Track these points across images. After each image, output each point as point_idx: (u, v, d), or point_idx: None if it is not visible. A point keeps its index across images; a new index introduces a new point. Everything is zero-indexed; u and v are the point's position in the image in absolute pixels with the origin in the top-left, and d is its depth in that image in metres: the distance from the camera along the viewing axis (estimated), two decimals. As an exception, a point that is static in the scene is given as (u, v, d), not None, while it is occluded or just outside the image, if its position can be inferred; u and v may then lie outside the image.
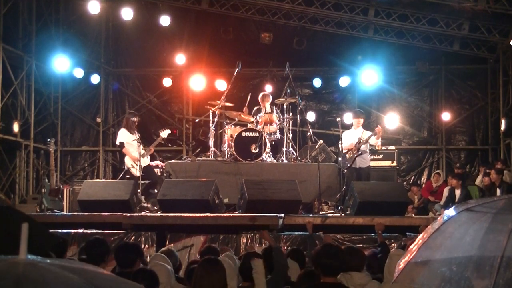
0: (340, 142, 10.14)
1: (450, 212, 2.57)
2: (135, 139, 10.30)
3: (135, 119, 10.66)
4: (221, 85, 14.20)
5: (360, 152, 10.13)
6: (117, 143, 10.76)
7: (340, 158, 10.52)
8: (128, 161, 10.43)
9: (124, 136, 10.49)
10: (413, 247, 2.56)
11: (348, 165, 10.10)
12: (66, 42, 14.85)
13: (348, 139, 10.34)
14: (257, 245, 7.85)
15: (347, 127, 11.23)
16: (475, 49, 14.20)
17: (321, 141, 11.19)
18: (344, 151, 10.33)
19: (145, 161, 10.53)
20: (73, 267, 1.12)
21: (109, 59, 15.81)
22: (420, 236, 2.57)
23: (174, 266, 5.08)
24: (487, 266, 2.21)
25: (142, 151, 10.36)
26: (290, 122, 11.45)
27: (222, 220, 8.64)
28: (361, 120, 10.59)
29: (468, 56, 14.51)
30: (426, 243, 2.49)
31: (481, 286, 2.20)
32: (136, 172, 10.27)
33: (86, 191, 9.58)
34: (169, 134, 11.25)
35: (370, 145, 10.54)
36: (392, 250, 4.97)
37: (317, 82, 15.00)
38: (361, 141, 10.17)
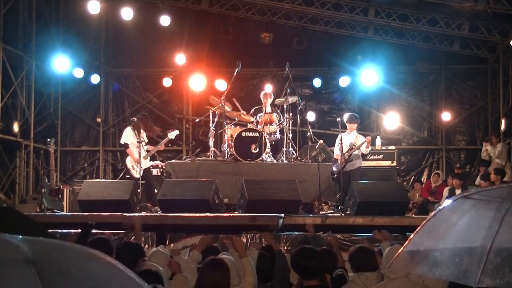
0: (339, 142, 10.10)
1: (450, 199, 2.63)
2: (139, 140, 10.26)
3: (140, 121, 10.60)
4: (221, 85, 14.21)
5: (350, 159, 10.12)
6: (122, 142, 10.74)
7: (333, 159, 10.49)
8: (129, 162, 10.44)
9: (129, 137, 10.45)
10: (413, 234, 2.60)
11: (338, 171, 10.06)
12: (66, 42, 14.85)
13: (340, 144, 10.29)
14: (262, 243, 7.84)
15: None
16: (475, 49, 14.20)
17: (321, 141, 11.18)
18: (335, 157, 10.34)
19: (147, 163, 10.53)
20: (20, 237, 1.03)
21: (109, 59, 15.81)
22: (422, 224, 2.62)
23: None
24: (478, 251, 2.24)
25: (144, 153, 10.36)
26: (290, 122, 11.45)
27: (222, 220, 8.64)
28: (355, 125, 10.59)
29: (468, 56, 14.52)
30: (423, 229, 2.54)
31: (471, 271, 2.22)
32: (136, 174, 10.29)
33: (86, 191, 9.58)
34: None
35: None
36: (392, 246, 4.96)
37: (317, 82, 15.00)
38: (353, 147, 10.15)
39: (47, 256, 0.95)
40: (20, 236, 0.98)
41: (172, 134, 11.05)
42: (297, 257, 4.07)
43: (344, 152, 10.02)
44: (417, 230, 2.58)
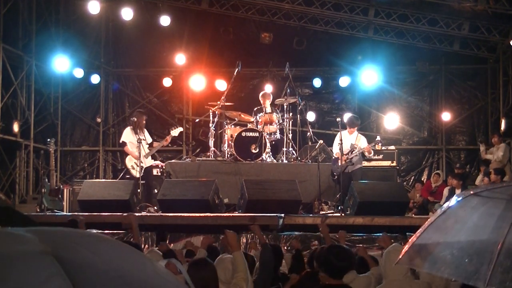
0: (339, 142, 10.08)
1: (459, 196, 2.59)
2: (139, 139, 10.29)
3: (135, 119, 10.66)
4: (221, 85, 14.21)
5: (352, 163, 10.09)
6: (120, 141, 10.85)
7: (333, 158, 10.47)
8: (128, 162, 10.47)
9: (128, 136, 10.52)
10: (420, 229, 2.57)
11: (340, 171, 10.04)
12: (66, 42, 14.85)
13: (340, 144, 10.26)
14: (258, 245, 7.84)
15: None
16: (475, 49, 14.20)
17: (321, 141, 11.18)
18: (335, 157, 10.30)
19: (147, 162, 10.53)
20: (39, 230, 0.98)
21: (109, 59, 15.81)
22: (428, 220, 2.58)
23: None
24: (487, 252, 2.21)
25: (144, 152, 10.35)
26: (290, 122, 11.45)
27: (222, 220, 8.64)
28: (355, 128, 10.54)
29: (468, 56, 14.51)
30: (431, 226, 2.51)
31: (480, 272, 2.20)
32: (136, 173, 10.30)
33: (86, 191, 9.58)
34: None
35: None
36: (393, 244, 4.97)
37: (317, 82, 15.00)
38: (354, 149, 10.11)
39: (59, 244, 0.91)
40: (21, 228, 0.95)
41: (176, 132, 11.09)
42: (331, 256, 3.99)
43: (344, 153, 10.00)
44: (425, 227, 2.55)
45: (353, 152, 10.09)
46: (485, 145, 12.85)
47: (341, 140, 9.99)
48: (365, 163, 11.60)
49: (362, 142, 10.31)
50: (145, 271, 0.94)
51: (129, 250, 0.98)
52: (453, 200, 2.58)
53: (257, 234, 5.75)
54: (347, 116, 10.97)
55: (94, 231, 8.34)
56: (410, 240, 2.63)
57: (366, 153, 10.26)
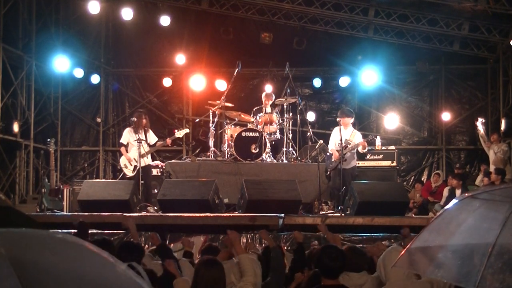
0: (339, 142, 10.03)
1: (457, 199, 2.60)
2: (138, 139, 10.30)
3: (134, 119, 10.67)
4: (221, 85, 14.21)
5: (345, 159, 9.97)
6: (120, 142, 10.94)
7: (327, 154, 10.43)
8: (122, 161, 10.57)
9: (125, 137, 10.56)
10: (417, 235, 2.59)
11: (333, 168, 10.00)
12: (66, 42, 14.86)
13: (335, 139, 10.15)
14: (257, 245, 7.84)
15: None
16: (475, 49, 14.20)
17: (321, 141, 11.18)
18: (329, 153, 10.26)
19: (145, 161, 10.51)
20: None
21: (109, 59, 15.81)
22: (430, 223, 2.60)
23: None
24: (479, 254, 2.22)
25: (143, 151, 10.35)
26: (290, 122, 11.45)
27: (222, 220, 8.64)
28: (348, 119, 10.28)
29: (468, 56, 14.51)
30: (428, 228, 2.52)
31: (471, 274, 2.20)
32: (128, 172, 10.36)
33: (86, 191, 9.58)
34: (172, 135, 11.27)
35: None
36: (392, 246, 4.97)
37: (317, 82, 15.00)
38: (348, 145, 10.01)
39: (17, 246, 0.92)
40: None
41: (181, 133, 11.13)
42: (324, 257, 4.01)
43: (337, 148, 9.94)
44: (422, 230, 2.56)
45: (347, 148, 9.96)
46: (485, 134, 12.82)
47: (341, 140, 9.91)
48: (365, 163, 11.61)
49: (357, 138, 10.19)
50: (105, 272, 0.95)
51: (91, 252, 0.99)
52: (451, 203, 2.58)
53: (266, 239, 5.76)
54: (340, 110, 10.88)
55: (95, 231, 8.37)
56: (409, 243, 2.64)
57: (361, 149, 10.14)
